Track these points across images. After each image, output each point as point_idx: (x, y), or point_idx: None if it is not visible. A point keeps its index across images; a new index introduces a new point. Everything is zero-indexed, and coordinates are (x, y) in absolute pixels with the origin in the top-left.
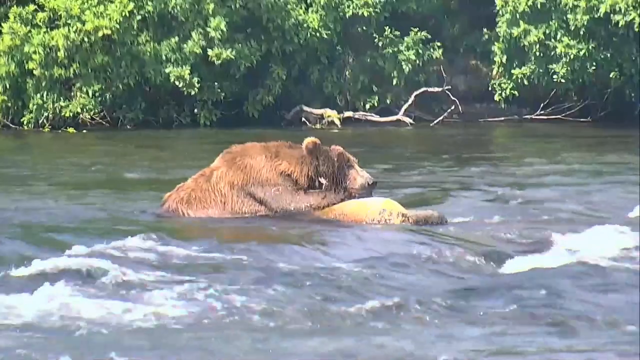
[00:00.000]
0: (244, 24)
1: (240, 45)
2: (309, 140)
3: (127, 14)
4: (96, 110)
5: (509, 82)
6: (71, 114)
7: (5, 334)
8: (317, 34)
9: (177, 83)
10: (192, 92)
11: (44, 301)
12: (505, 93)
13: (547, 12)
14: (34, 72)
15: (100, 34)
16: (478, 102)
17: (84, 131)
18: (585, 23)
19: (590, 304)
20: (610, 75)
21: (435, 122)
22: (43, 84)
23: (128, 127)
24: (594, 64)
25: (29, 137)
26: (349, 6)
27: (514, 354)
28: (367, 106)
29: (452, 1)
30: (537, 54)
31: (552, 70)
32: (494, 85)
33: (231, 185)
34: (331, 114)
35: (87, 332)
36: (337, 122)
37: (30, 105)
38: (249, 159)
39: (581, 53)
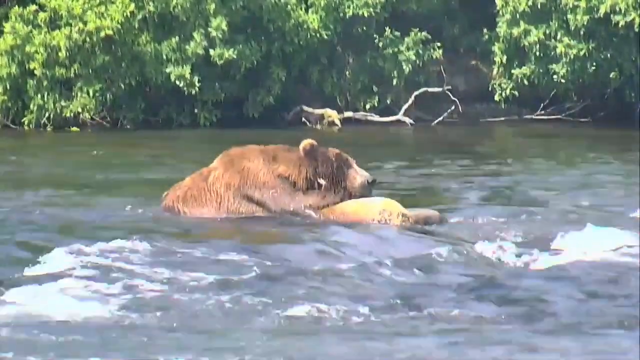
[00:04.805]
0: (244, 25)
1: (240, 45)
2: (306, 143)
3: (129, 15)
4: (97, 110)
5: (509, 82)
6: (72, 114)
7: (7, 333)
8: (317, 35)
9: (177, 82)
10: (193, 92)
11: (44, 301)
12: (505, 93)
13: (547, 12)
14: (35, 72)
15: (102, 34)
16: (478, 102)
17: (89, 131)
18: (586, 23)
19: (591, 304)
20: (610, 76)
21: (435, 122)
22: (44, 84)
23: (128, 127)
24: (594, 64)
25: (29, 137)
26: (349, 6)
27: (513, 355)
28: (367, 106)
29: (452, 1)
30: (537, 54)
31: (552, 71)
32: (494, 85)
33: (227, 187)
34: (331, 114)
35: (86, 331)
36: (338, 122)
37: (31, 106)
38: (246, 161)
39: (581, 53)
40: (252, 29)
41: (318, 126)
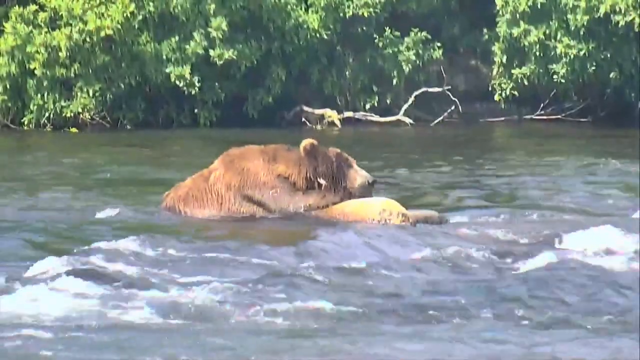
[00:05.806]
0: (244, 24)
1: (240, 45)
2: (306, 142)
3: (129, 15)
4: (97, 110)
5: (509, 82)
6: (72, 114)
7: (8, 333)
8: (317, 35)
9: (177, 82)
10: (193, 92)
11: (44, 301)
12: (505, 93)
13: (547, 12)
14: (36, 72)
15: (102, 34)
16: (478, 102)
17: (87, 131)
18: (585, 23)
19: (591, 304)
20: (610, 75)
21: (435, 122)
22: (44, 84)
23: (128, 127)
24: (594, 64)
25: (29, 137)
26: (349, 6)
27: (512, 354)
28: (367, 106)
29: (452, 1)
30: (537, 54)
31: (552, 70)
32: (494, 85)
33: (228, 187)
34: (331, 114)
35: (86, 331)
36: (337, 122)
37: (31, 106)
38: (246, 162)
39: (581, 53)
40: (252, 29)
41: (318, 126)
